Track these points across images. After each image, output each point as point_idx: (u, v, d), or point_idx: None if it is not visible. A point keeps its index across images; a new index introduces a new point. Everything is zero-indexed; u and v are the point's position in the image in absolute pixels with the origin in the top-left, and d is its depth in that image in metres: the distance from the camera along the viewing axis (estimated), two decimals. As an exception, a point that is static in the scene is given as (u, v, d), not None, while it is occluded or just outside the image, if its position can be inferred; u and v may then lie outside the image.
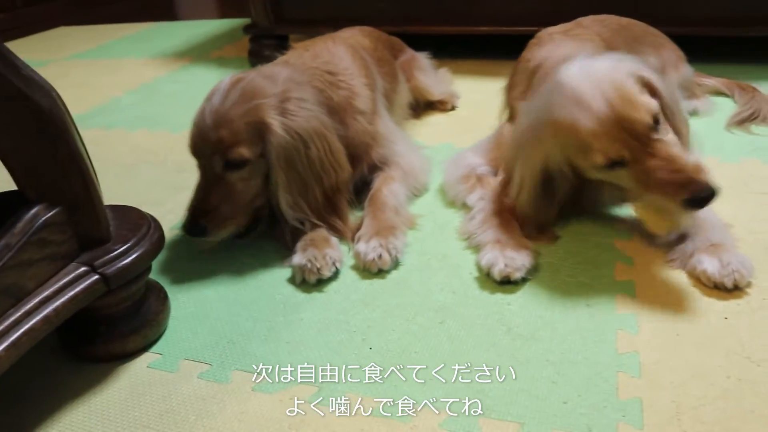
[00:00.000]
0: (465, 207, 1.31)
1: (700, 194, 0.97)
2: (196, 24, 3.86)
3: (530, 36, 1.54)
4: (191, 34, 3.54)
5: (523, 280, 1.10)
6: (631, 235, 1.21)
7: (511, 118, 1.42)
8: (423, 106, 1.94)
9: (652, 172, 1.00)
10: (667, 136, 1.04)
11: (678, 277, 1.09)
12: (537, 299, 1.06)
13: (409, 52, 1.93)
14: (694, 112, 1.74)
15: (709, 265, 1.04)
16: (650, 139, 1.01)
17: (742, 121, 1.68)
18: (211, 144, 1.16)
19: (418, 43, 2.05)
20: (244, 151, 1.15)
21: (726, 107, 1.79)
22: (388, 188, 1.32)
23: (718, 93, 1.86)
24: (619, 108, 1.00)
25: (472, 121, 1.85)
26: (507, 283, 1.09)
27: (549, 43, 1.43)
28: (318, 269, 1.12)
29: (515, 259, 1.07)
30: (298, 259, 1.15)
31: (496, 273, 1.08)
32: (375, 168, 1.40)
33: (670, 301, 1.03)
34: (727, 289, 1.03)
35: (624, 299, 1.04)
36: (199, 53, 3.03)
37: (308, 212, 1.20)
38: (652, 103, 1.03)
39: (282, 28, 2.61)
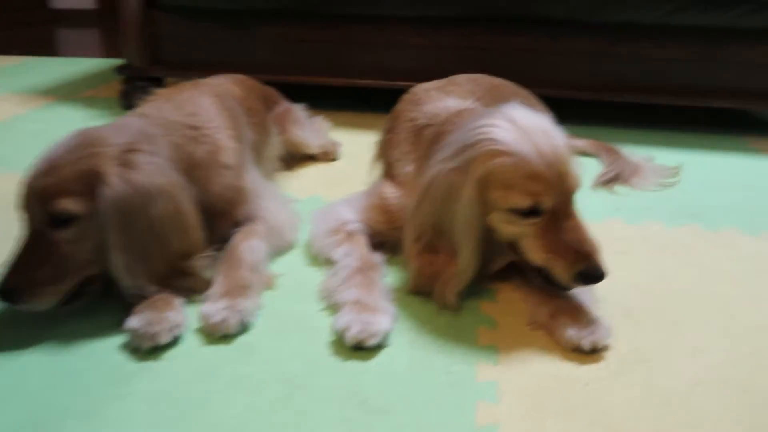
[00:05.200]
0: (329, 263, 1.24)
1: (595, 272, 1.01)
2: (74, 61, 3.65)
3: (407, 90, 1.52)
4: (65, 71, 3.33)
5: (381, 346, 1.02)
6: (496, 297, 1.17)
7: (391, 177, 1.35)
8: (298, 159, 1.87)
9: (562, 233, 1.02)
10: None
11: (541, 340, 1.05)
12: (395, 367, 0.98)
13: (284, 104, 1.87)
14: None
15: (567, 328, 1.02)
16: (571, 203, 1.04)
17: (607, 182, 1.74)
18: (35, 194, 1.02)
19: (295, 93, 1.99)
20: (70, 204, 1.01)
21: (592, 167, 1.84)
22: (247, 244, 1.22)
23: (586, 154, 1.93)
24: (561, 157, 1.02)
25: (344, 173, 1.80)
26: (362, 349, 1.01)
27: (431, 100, 1.39)
28: (153, 335, 1.00)
29: (371, 324, 1.00)
30: (132, 322, 1.02)
31: (349, 338, 0.99)
32: (239, 225, 1.29)
33: (533, 368, 0.99)
34: (586, 352, 1.00)
35: (486, 366, 0.99)
36: (68, 92, 2.83)
37: (148, 279, 1.07)
38: (580, 177, 1.06)
39: (157, 71, 2.48)
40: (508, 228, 1.07)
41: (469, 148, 1.05)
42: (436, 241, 1.11)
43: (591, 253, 1.01)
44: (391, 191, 1.28)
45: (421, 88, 1.47)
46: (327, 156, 1.92)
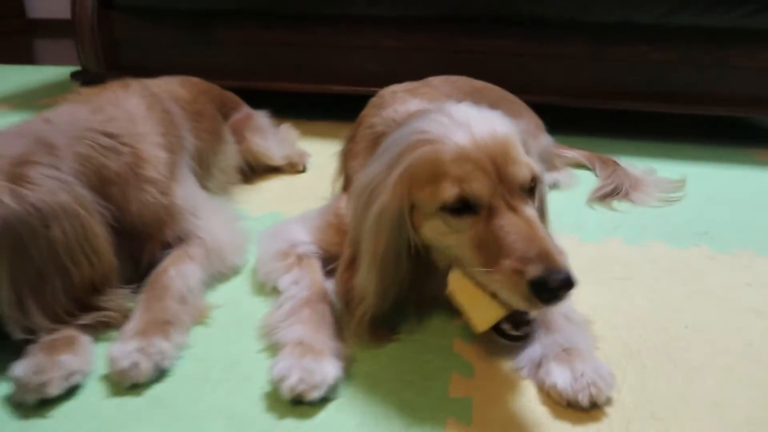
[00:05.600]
0: (275, 291, 1.04)
1: (555, 276, 0.72)
2: (38, 69, 3.48)
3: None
4: (27, 79, 3.16)
5: (327, 399, 0.82)
6: (472, 335, 0.97)
7: (348, 189, 1.18)
8: (261, 171, 1.68)
9: (505, 232, 0.77)
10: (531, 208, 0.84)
11: (526, 392, 0.85)
12: (341, 428, 0.78)
13: (245, 110, 1.68)
14: (554, 185, 1.60)
15: (559, 377, 0.82)
16: (520, 191, 0.82)
17: (605, 197, 1.56)
18: None
19: (262, 99, 1.81)
20: None
21: (587, 180, 1.66)
22: (177, 269, 1.02)
23: (579, 165, 1.76)
24: (501, 142, 0.82)
25: (310, 187, 1.61)
26: (303, 403, 0.80)
27: (394, 103, 1.22)
28: (42, 385, 0.80)
29: (314, 373, 0.80)
30: (17, 369, 0.82)
31: (286, 390, 0.79)
32: (170, 247, 1.09)
33: (513, 430, 0.78)
34: (584, 409, 0.81)
35: (456, 426, 0.79)
36: (24, 100, 2.66)
37: (40, 318, 0.87)
38: (537, 165, 0.85)
39: (115, 76, 2.27)
40: (443, 239, 0.85)
41: (398, 145, 0.88)
42: (358, 255, 0.92)
43: (546, 253, 0.74)
44: (345, 207, 1.08)
45: (389, 90, 1.30)
46: (293, 168, 1.74)
